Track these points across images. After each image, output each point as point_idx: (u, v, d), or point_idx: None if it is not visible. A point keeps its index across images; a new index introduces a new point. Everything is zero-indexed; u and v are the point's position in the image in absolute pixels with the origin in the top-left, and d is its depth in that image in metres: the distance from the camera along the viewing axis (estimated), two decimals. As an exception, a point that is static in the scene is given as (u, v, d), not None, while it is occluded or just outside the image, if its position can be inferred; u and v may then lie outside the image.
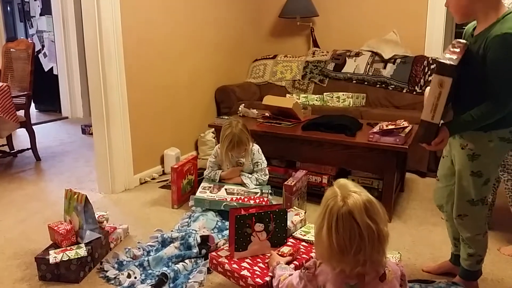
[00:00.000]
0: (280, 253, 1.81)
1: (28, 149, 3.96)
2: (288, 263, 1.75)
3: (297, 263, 1.81)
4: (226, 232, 2.35)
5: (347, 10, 4.44)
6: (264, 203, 2.51)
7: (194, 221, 2.47)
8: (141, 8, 3.18)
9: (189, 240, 2.18)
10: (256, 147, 2.78)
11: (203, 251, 2.14)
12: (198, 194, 2.62)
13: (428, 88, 1.64)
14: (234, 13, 4.38)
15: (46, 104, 6.33)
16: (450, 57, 1.51)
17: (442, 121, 1.61)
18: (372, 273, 1.24)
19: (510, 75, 1.50)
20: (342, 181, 1.29)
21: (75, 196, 2.15)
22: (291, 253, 1.82)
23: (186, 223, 2.49)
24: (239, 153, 2.69)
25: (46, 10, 6.03)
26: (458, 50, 1.53)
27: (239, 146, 2.62)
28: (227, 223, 2.43)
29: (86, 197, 2.12)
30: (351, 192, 1.22)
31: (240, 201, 2.52)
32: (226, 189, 2.66)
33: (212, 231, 2.39)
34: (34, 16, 6.20)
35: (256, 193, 2.65)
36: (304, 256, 1.89)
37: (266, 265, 1.79)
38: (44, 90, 5.95)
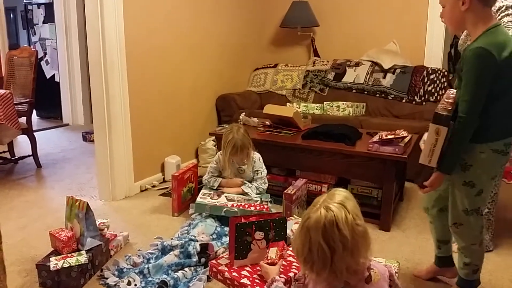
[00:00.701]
0: (270, 261, 1.82)
1: (29, 155, 3.98)
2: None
3: (296, 271, 1.82)
4: (226, 239, 2.36)
5: (347, 21, 4.48)
6: (264, 209, 2.52)
7: (194, 228, 2.48)
8: (144, 17, 3.22)
9: (189, 248, 2.19)
10: (257, 155, 2.80)
11: (203, 259, 2.15)
12: (198, 199, 2.64)
13: (426, 133, 1.74)
14: (236, 23, 4.42)
15: (47, 111, 6.36)
16: (445, 108, 1.65)
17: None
18: (359, 274, 1.26)
19: (473, 85, 1.57)
20: (328, 192, 1.31)
21: (77, 203, 2.16)
22: (280, 255, 1.83)
23: (186, 231, 2.50)
24: (241, 159, 2.71)
25: (49, 18, 6.08)
26: (451, 101, 1.65)
27: (242, 151, 2.64)
28: (226, 228, 2.45)
29: (88, 204, 2.14)
30: (329, 204, 1.23)
31: (241, 207, 2.54)
32: (226, 196, 2.67)
33: (211, 236, 2.40)
34: (37, 24, 6.25)
35: (256, 201, 2.67)
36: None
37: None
38: (45, 97, 5.97)
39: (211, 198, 2.65)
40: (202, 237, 2.33)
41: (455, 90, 1.71)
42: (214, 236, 2.43)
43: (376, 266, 1.31)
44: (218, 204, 2.58)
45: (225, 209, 2.54)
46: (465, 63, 1.60)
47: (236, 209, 2.52)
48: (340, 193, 1.27)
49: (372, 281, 1.27)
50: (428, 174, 1.73)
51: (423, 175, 1.75)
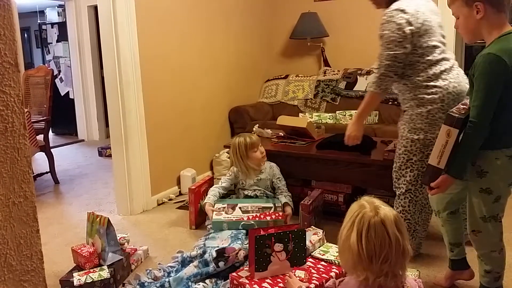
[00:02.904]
0: (298, 278, 1.83)
1: (47, 172, 4.05)
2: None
3: (317, 283, 1.83)
4: (243, 240, 2.37)
5: (356, 30, 4.51)
6: (280, 217, 2.54)
7: (209, 239, 2.49)
8: (158, 36, 3.30)
9: (205, 256, 2.21)
10: (274, 164, 2.83)
11: (221, 263, 2.14)
12: (214, 217, 2.62)
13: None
14: (246, 36, 4.48)
15: (63, 127, 6.48)
16: (459, 111, 1.67)
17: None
18: None
19: (484, 91, 1.58)
20: (367, 197, 1.34)
21: (98, 219, 2.20)
22: (308, 278, 1.84)
23: (203, 244, 2.51)
24: (256, 147, 2.75)
25: (62, 36, 6.23)
26: (466, 107, 1.67)
27: (255, 142, 2.73)
28: (240, 235, 2.46)
29: (109, 220, 2.18)
30: (381, 205, 1.28)
31: (257, 218, 2.55)
32: (240, 208, 2.68)
33: (228, 238, 2.41)
34: (51, 43, 6.40)
35: (270, 207, 2.66)
36: (323, 275, 1.90)
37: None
38: (60, 114, 6.10)
39: (226, 213, 2.64)
40: (222, 244, 2.34)
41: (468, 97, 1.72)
42: (230, 239, 2.42)
43: (408, 281, 1.32)
44: (234, 219, 2.58)
45: (242, 223, 2.55)
46: (476, 68, 1.61)
47: (252, 222, 2.53)
48: (374, 199, 1.33)
49: None
50: (431, 174, 1.73)
51: (426, 176, 1.76)
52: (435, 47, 2.10)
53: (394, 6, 2.11)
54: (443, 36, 2.20)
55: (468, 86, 1.93)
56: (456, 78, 2.09)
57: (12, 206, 0.64)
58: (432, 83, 2.06)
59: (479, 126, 1.60)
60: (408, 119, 2.14)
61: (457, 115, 1.64)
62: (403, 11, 2.06)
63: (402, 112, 2.26)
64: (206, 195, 2.97)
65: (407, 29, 2.03)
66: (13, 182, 0.63)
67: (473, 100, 1.62)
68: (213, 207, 2.69)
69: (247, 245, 2.29)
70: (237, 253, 2.19)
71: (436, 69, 2.07)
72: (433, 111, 2.05)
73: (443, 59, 2.10)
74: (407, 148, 2.14)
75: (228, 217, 2.60)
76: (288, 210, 2.67)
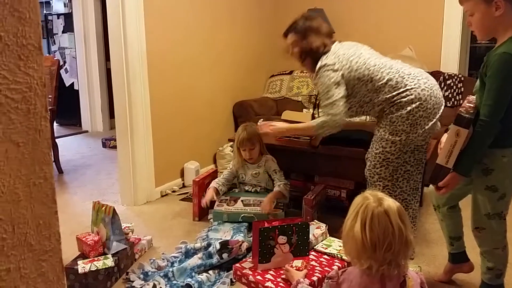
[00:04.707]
0: (295, 267, 1.85)
1: (51, 162, 4.06)
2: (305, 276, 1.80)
3: (320, 276, 1.85)
4: (246, 232, 2.42)
5: (362, 27, 4.51)
6: (278, 212, 2.60)
7: (212, 231, 2.52)
8: (165, 30, 3.31)
9: (209, 249, 2.23)
10: (269, 156, 2.84)
11: (224, 255, 2.17)
12: (216, 208, 2.68)
13: (445, 135, 1.77)
14: (252, 32, 4.49)
15: (67, 118, 6.49)
16: (468, 111, 1.66)
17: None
18: (394, 279, 1.29)
19: (497, 90, 1.58)
20: (370, 191, 1.37)
21: (103, 208, 2.22)
22: (305, 265, 1.86)
23: (205, 235, 2.54)
24: (249, 147, 2.73)
25: (68, 27, 6.23)
26: (473, 105, 1.67)
27: (249, 140, 2.71)
28: (242, 228, 2.50)
29: (114, 209, 2.20)
30: (384, 197, 1.30)
31: (257, 208, 2.60)
32: (242, 201, 2.71)
33: (231, 230, 2.46)
34: (57, 34, 6.41)
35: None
36: (326, 269, 1.92)
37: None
38: (65, 105, 6.10)
39: (227, 205, 2.68)
40: (225, 236, 2.37)
41: (474, 96, 1.73)
42: (233, 231, 2.46)
43: (410, 273, 1.35)
44: (234, 210, 2.62)
45: (242, 214, 2.59)
46: (489, 67, 1.60)
47: (252, 214, 2.57)
48: (377, 192, 1.35)
49: (406, 286, 1.30)
50: (438, 174, 1.73)
51: (434, 176, 1.76)
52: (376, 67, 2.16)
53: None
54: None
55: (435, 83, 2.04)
56: (421, 74, 2.14)
57: (33, 186, 0.65)
58: (402, 89, 2.08)
59: (490, 125, 1.60)
60: (388, 122, 2.13)
61: (467, 115, 1.65)
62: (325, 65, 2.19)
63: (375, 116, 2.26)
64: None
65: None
66: (34, 163, 0.65)
67: (485, 99, 1.61)
68: (218, 192, 2.74)
69: (250, 238, 2.32)
70: (241, 245, 2.22)
71: (396, 78, 2.11)
72: (413, 111, 2.05)
73: (394, 69, 2.16)
74: (386, 149, 2.15)
75: (228, 209, 2.64)
76: (263, 204, 2.61)
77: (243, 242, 2.25)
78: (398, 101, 2.08)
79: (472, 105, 1.68)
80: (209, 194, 2.73)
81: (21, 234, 0.63)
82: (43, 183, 0.66)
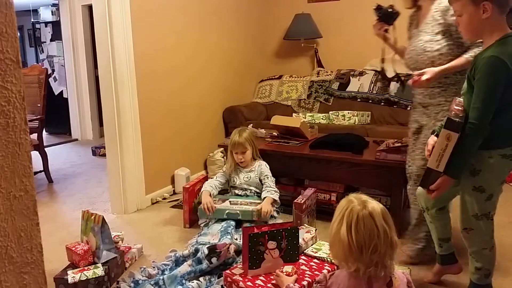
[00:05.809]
0: (285, 273, 1.85)
1: (40, 171, 4.04)
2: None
3: (310, 280, 1.86)
4: (234, 235, 2.42)
5: (349, 31, 4.55)
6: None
7: (201, 236, 2.53)
8: (154, 36, 3.31)
9: (198, 254, 2.23)
10: (263, 162, 2.85)
11: (213, 259, 2.16)
12: (201, 206, 2.67)
13: (431, 137, 1.79)
14: (241, 37, 4.50)
15: (56, 126, 6.45)
16: (457, 114, 1.68)
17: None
18: (380, 280, 1.31)
19: (485, 93, 1.60)
20: (355, 194, 1.39)
21: (92, 217, 2.21)
22: (295, 271, 1.87)
23: (195, 241, 2.53)
24: (241, 151, 2.76)
25: (56, 36, 6.21)
26: (461, 108, 1.69)
27: (241, 144, 2.75)
28: (232, 222, 2.53)
29: (103, 218, 2.19)
30: (368, 199, 1.33)
31: (243, 206, 2.63)
32: (230, 201, 2.71)
33: (218, 233, 2.46)
34: (45, 42, 6.38)
35: (259, 203, 2.68)
36: (316, 273, 1.93)
37: (279, 282, 1.83)
38: (54, 113, 6.08)
39: (215, 203, 2.69)
40: (213, 240, 2.37)
41: (462, 98, 1.75)
42: (220, 234, 2.45)
43: (396, 272, 1.37)
44: (219, 207, 2.64)
45: (227, 211, 2.61)
46: (478, 71, 1.62)
47: (237, 210, 2.60)
48: (361, 195, 1.38)
49: (393, 286, 1.31)
50: (430, 177, 1.75)
51: (424, 179, 1.78)
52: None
53: None
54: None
55: None
56: None
57: (13, 199, 0.65)
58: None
59: (480, 127, 1.63)
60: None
61: (457, 119, 1.67)
62: None
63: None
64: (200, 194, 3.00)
65: None
66: (14, 176, 0.65)
67: (474, 102, 1.63)
68: (210, 195, 2.72)
69: (237, 240, 2.33)
70: (228, 247, 2.22)
71: None
72: None
73: None
74: None
75: (214, 206, 2.65)
76: (264, 206, 2.60)
77: (230, 244, 2.25)
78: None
79: (460, 108, 1.70)
80: (207, 198, 2.70)
81: (2, 247, 0.63)
82: (24, 196, 0.67)
